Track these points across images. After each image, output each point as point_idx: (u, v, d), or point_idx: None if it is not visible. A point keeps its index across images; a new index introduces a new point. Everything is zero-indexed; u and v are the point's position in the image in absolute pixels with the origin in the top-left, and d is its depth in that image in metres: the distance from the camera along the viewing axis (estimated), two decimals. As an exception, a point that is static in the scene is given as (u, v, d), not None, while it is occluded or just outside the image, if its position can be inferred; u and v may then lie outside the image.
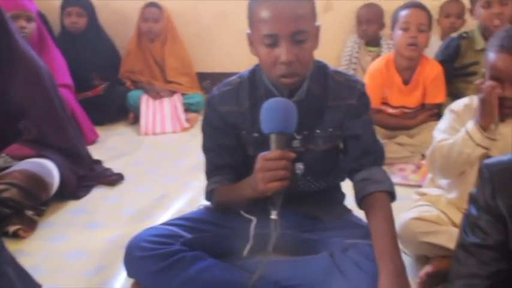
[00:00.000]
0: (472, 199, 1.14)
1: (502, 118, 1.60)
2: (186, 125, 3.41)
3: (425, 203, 1.74)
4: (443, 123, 1.71)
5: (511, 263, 1.10)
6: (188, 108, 3.54)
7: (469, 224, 1.14)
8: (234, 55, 3.41)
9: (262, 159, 1.32)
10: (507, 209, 1.06)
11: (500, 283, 1.10)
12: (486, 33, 2.76)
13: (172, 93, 3.59)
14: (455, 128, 1.66)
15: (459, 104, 1.71)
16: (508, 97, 1.53)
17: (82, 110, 3.08)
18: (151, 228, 1.56)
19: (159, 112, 3.45)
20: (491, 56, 1.56)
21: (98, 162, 2.63)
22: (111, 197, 2.37)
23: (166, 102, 3.52)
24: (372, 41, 3.60)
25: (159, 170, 2.69)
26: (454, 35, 2.97)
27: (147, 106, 3.46)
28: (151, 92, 3.54)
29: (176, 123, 3.41)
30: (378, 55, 3.35)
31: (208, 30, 3.91)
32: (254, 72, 1.55)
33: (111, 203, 2.31)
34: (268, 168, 1.30)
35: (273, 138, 1.31)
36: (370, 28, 3.53)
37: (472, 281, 1.11)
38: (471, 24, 3.07)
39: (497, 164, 1.10)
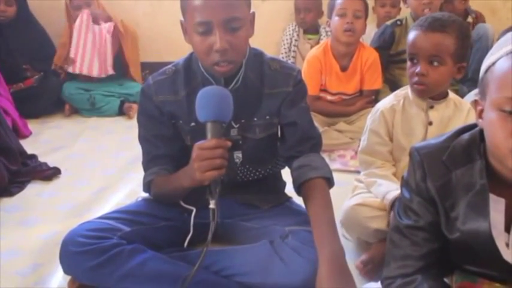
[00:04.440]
0: (404, 182, 1.17)
1: (431, 104, 1.66)
2: (111, 71, 3.48)
3: (365, 190, 1.76)
4: (365, 140, 1.76)
5: (442, 244, 1.13)
6: (126, 99, 3.47)
7: (402, 207, 1.17)
8: (173, 44, 3.36)
9: (198, 148, 1.31)
10: (436, 191, 1.09)
11: (433, 263, 1.14)
12: (418, 20, 2.84)
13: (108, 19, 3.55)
14: (378, 133, 1.71)
15: (386, 102, 1.74)
16: (418, 73, 1.59)
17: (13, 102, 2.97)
18: (87, 222, 1.52)
19: (89, 52, 3.44)
20: (408, 36, 1.64)
21: (32, 156, 2.53)
22: (47, 192, 2.28)
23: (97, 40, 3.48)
24: (310, 29, 3.63)
25: (97, 163, 2.62)
26: (389, 22, 3.07)
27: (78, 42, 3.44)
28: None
29: (103, 66, 3.45)
30: (317, 43, 3.39)
31: (145, 18, 3.83)
32: (190, 61, 1.53)
33: (47, 198, 2.23)
34: (204, 157, 1.29)
35: (208, 126, 1.30)
36: (308, 16, 3.56)
37: (406, 262, 1.13)
38: (406, 11, 3.16)
39: (427, 147, 1.13)
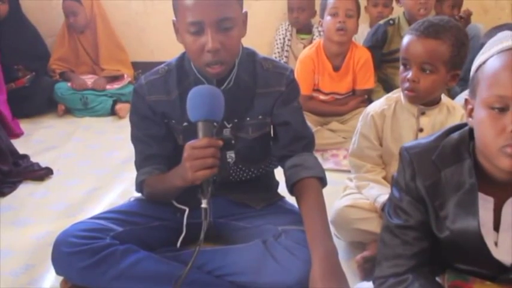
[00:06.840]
0: (394, 182, 1.17)
1: (423, 111, 1.65)
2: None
3: (355, 190, 1.77)
4: (355, 143, 1.76)
5: (432, 242, 1.14)
6: (119, 98, 3.46)
7: (392, 207, 1.17)
8: (165, 43, 3.35)
9: (189, 147, 1.31)
10: (425, 190, 1.10)
11: (424, 262, 1.14)
12: (412, 20, 2.85)
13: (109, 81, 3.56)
14: (368, 138, 1.71)
15: (376, 106, 1.73)
16: (409, 79, 1.57)
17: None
18: (79, 222, 1.51)
19: None
20: (403, 40, 1.61)
21: (24, 156, 2.52)
22: (39, 193, 2.28)
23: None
24: (303, 28, 3.64)
25: (90, 163, 2.62)
26: (382, 22, 3.07)
27: None
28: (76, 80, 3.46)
29: None
30: (310, 42, 3.39)
31: (138, 17, 3.83)
32: (182, 60, 1.53)
33: (40, 198, 2.22)
34: (196, 157, 1.29)
35: (200, 126, 1.30)
36: (301, 16, 3.57)
37: (398, 261, 1.14)
38: (398, 11, 3.16)
39: (416, 146, 1.14)
